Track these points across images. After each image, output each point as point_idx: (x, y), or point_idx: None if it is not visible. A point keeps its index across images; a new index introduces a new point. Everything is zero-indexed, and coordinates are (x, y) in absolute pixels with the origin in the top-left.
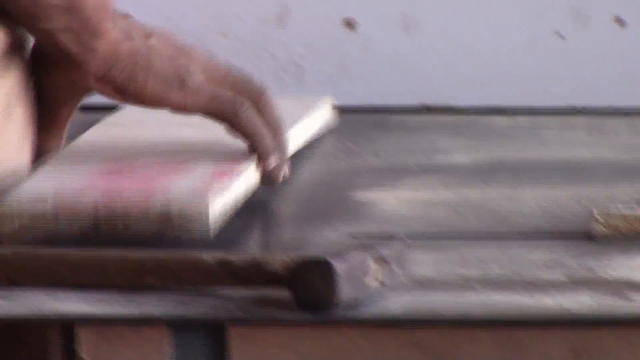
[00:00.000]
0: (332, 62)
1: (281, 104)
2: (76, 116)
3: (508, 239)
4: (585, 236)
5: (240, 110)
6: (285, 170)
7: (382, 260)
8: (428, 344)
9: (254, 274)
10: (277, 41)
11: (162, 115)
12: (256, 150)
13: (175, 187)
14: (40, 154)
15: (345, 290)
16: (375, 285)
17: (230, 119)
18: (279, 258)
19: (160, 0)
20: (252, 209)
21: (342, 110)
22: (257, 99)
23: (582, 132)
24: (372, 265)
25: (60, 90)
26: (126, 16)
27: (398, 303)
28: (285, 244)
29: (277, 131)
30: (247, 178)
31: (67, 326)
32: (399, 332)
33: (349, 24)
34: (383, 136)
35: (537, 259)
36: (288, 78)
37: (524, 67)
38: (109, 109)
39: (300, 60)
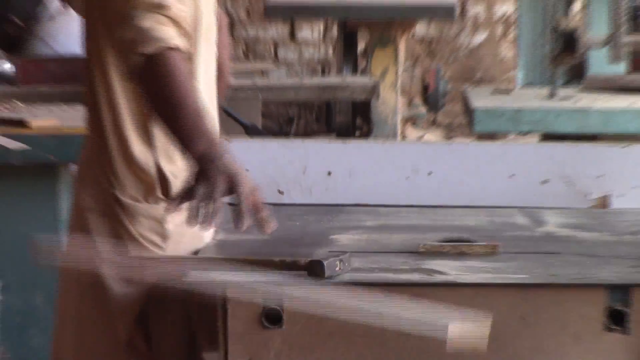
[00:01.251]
0: None
1: None
2: None
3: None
4: None
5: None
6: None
7: (341, 261)
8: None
9: (293, 266)
10: None
11: None
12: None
13: None
14: None
15: (327, 272)
16: (339, 270)
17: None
18: (302, 260)
19: None
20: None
21: None
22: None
23: None
24: (338, 263)
25: None
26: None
27: (347, 277)
28: (300, 255)
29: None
30: None
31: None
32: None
33: None
34: None
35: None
36: None
37: None
38: None
39: None
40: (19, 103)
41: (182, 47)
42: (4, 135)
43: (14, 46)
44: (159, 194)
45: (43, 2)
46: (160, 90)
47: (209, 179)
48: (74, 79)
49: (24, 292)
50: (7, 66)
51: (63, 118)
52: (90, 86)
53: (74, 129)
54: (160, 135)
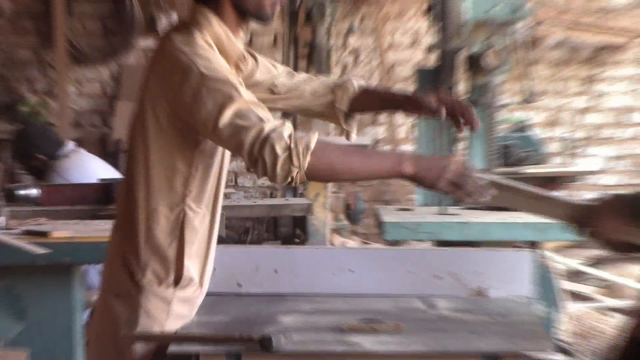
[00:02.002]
0: None
1: None
2: None
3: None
4: None
5: None
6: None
7: (285, 336)
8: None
9: (249, 340)
10: None
11: None
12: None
13: None
14: None
15: (275, 345)
16: (283, 344)
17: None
18: (256, 336)
19: None
20: None
21: None
22: None
23: None
24: (282, 338)
25: None
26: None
27: (289, 348)
28: (254, 332)
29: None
30: None
31: None
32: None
33: None
34: None
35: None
36: None
37: None
38: None
39: None
40: (43, 219)
41: (293, 136)
42: (32, 243)
43: (39, 176)
44: (172, 279)
45: (61, 144)
46: (335, 175)
47: (435, 180)
48: (83, 201)
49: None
50: (35, 191)
51: (75, 230)
52: (133, 186)
53: (84, 238)
54: (187, 231)
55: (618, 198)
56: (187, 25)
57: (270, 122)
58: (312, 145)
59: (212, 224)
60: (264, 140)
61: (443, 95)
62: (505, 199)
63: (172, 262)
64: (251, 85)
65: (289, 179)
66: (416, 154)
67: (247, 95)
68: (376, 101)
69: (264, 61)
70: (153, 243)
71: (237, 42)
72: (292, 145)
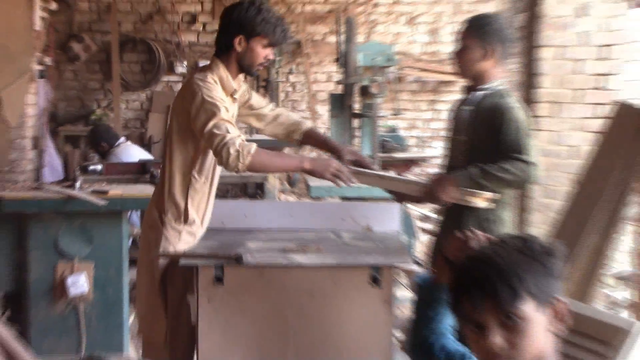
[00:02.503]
0: None
1: None
2: None
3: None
4: None
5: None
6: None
7: (250, 255)
8: (264, 270)
9: (229, 257)
10: None
11: None
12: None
13: None
14: None
15: (245, 261)
16: (250, 259)
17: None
18: (233, 254)
19: None
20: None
21: None
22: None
23: None
24: (248, 256)
25: None
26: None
27: (253, 262)
28: (231, 252)
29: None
30: None
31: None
32: (255, 267)
33: None
34: None
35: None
36: None
37: None
38: None
39: None
40: (104, 183)
41: (242, 144)
42: (97, 198)
43: (102, 156)
44: (182, 219)
45: (117, 137)
46: (265, 168)
47: (323, 172)
48: (129, 173)
49: (107, 268)
50: (99, 166)
51: (124, 190)
52: (164, 162)
53: (129, 195)
54: (192, 191)
55: (447, 174)
56: (205, 69)
57: (233, 133)
58: (252, 151)
59: (210, 188)
60: (225, 144)
61: (355, 153)
62: (369, 182)
63: (182, 209)
64: (247, 107)
65: (236, 169)
66: (312, 157)
67: (226, 115)
68: (313, 140)
69: (257, 95)
70: (172, 196)
71: (233, 82)
72: (240, 149)
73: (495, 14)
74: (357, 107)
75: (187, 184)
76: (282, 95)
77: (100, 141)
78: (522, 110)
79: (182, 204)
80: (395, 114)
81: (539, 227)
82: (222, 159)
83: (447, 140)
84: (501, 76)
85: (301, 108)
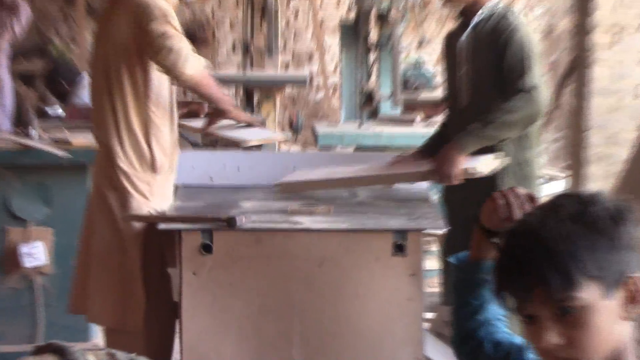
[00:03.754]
0: None
1: None
2: None
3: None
4: None
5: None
6: None
7: (245, 217)
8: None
9: (219, 220)
10: None
11: None
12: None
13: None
14: None
15: (238, 223)
16: (244, 222)
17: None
18: (223, 216)
19: None
20: None
21: None
22: None
23: None
24: (243, 218)
25: None
26: None
27: (248, 225)
28: (222, 213)
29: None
30: None
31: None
32: (250, 232)
33: None
34: None
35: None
36: None
37: None
38: None
39: None
40: (66, 131)
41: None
42: (58, 148)
43: (62, 98)
44: (150, 165)
45: (78, 71)
46: (207, 93)
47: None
48: None
49: (70, 235)
50: (59, 110)
51: (89, 139)
52: (106, 101)
53: (94, 146)
54: (153, 128)
55: (449, 146)
56: None
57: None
58: (203, 64)
59: (172, 121)
60: (175, 50)
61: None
62: (349, 184)
63: (147, 152)
64: None
65: (178, 75)
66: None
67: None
68: None
69: None
70: (131, 139)
71: None
72: (191, 57)
73: None
74: (373, 37)
75: (145, 120)
76: (282, 25)
77: (58, 78)
78: (528, 29)
79: (144, 147)
80: (420, 46)
81: (599, 182)
82: (167, 61)
83: (446, 79)
84: None
85: (305, 39)
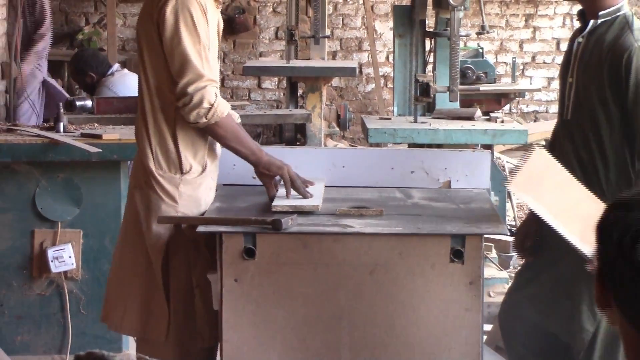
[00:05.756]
0: None
1: None
2: None
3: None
4: None
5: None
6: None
7: (292, 219)
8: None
9: (263, 222)
10: None
11: None
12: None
13: None
14: None
15: (284, 226)
16: (290, 225)
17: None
18: (269, 218)
19: None
20: None
21: None
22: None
23: None
24: (290, 220)
25: None
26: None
27: (295, 229)
28: (266, 216)
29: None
30: None
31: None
32: (297, 236)
33: None
34: None
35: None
36: None
37: None
38: None
39: None
40: (96, 125)
41: (227, 111)
42: (87, 143)
43: (92, 90)
44: (177, 166)
45: (108, 63)
46: (228, 141)
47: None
48: (127, 111)
49: (100, 237)
50: (89, 103)
51: (122, 133)
52: (141, 96)
53: (129, 140)
54: (182, 128)
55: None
56: None
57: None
58: (226, 112)
59: None
60: (198, 93)
61: None
62: None
63: (173, 153)
64: None
65: (197, 123)
66: (268, 155)
67: (209, 73)
68: None
69: None
70: (158, 138)
71: None
72: (214, 105)
73: None
74: (430, 23)
75: (172, 118)
76: (330, 9)
77: (87, 69)
78: None
79: (171, 146)
80: (481, 33)
81: None
82: (187, 106)
83: (560, 81)
84: None
85: (355, 26)
